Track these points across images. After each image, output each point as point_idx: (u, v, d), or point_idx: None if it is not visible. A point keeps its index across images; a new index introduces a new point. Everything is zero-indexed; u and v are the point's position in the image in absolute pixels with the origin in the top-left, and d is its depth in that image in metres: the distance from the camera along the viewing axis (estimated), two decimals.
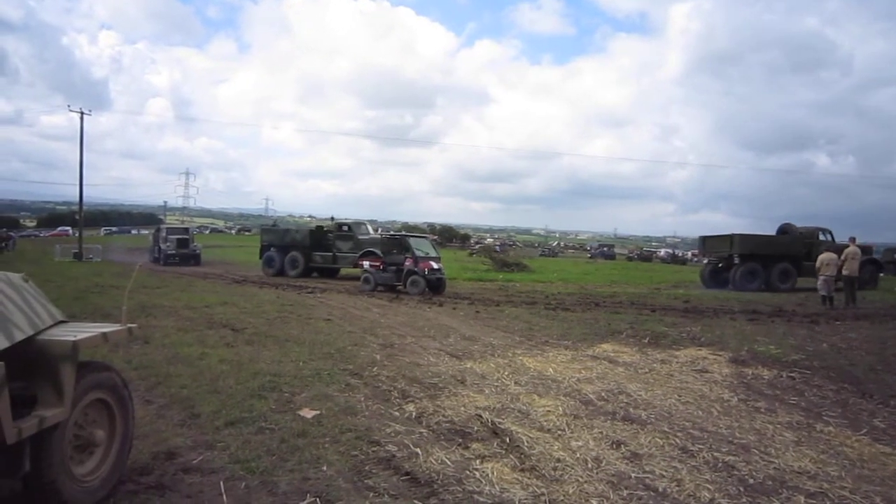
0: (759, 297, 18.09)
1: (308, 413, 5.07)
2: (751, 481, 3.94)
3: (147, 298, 13.15)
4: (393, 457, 4.17)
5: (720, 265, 22.68)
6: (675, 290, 21.56)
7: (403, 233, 27.61)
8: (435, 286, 17.13)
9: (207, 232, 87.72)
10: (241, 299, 14.16)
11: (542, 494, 3.63)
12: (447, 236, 70.82)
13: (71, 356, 3.05)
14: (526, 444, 4.47)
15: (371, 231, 24.95)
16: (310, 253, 23.85)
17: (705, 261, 24.89)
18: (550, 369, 7.12)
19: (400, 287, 17.50)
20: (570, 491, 3.69)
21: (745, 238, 21.91)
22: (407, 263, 17.49)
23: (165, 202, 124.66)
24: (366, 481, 3.76)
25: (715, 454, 4.40)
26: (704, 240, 24.38)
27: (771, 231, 24.06)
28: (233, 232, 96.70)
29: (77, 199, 37.91)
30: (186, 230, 35.89)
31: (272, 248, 24.54)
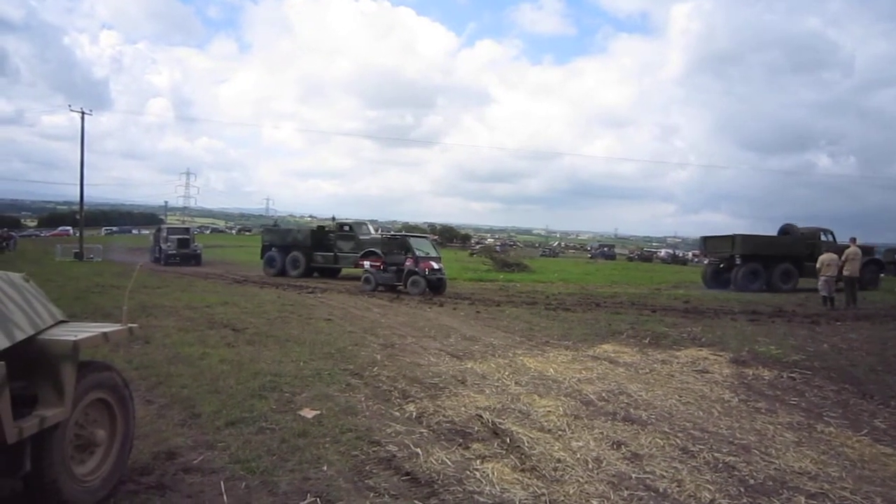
0: (760, 297, 18.09)
1: (309, 413, 5.07)
2: (751, 482, 3.94)
3: (148, 298, 13.16)
4: (393, 457, 4.17)
5: (722, 266, 22.68)
6: (675, 290, 21.54)
7: (404, 233, 27.62)
8: (435, 286, 17.13)
9: (208, 232, 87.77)
10: (241, 299, 14.16)
11: (543, 495, 3.63)
12: (448, 236, 70.82)
13: (72, 356, 3.05)
14: (526, 444, 4.47)
15: (372, 231, 24.96)
16: (311, 253, 23.86)
17: (706, 261, 24.89)
18: (551, 370, 7.12)
19: (400, 287, 17.51)
20: (571, 491, 3.69)
21: (746, 238, 21.90)
22: (407, 263, 17.49)
23: (166, 202, 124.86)
24: (366, 481, 3.76)
25: (715, 455, 4.40)
26: (706, 240, 24.37)
27: (772, 231, 24.06)
28: (233, 232, 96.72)
29: (78, 198, 37.97)
30: (187, 230, 35.91)
31: (273, 249, 24.55)
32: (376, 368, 6.94)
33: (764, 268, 21.12)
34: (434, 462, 4.09)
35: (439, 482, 3.77)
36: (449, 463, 4.08)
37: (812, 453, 4.52)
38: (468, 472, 3.93)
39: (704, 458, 4.34)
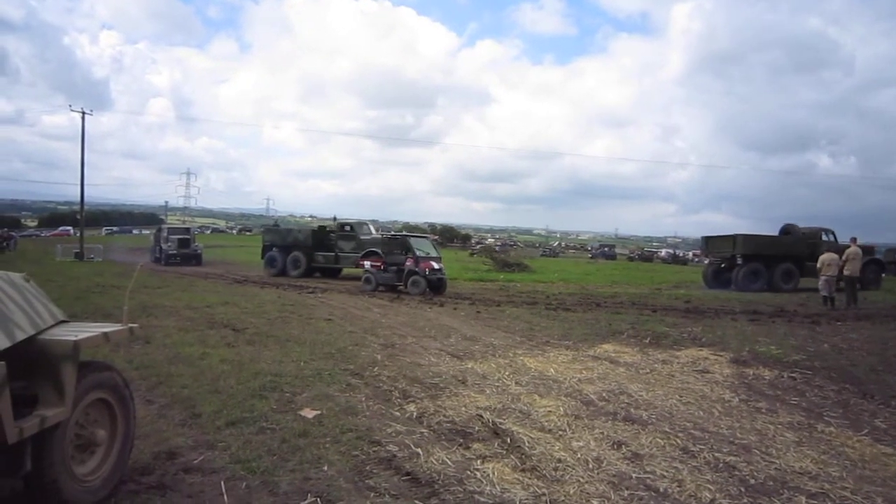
0: (760, 297, 18.08)
1: (309, 413, 5.07)
2: (752, 482, 3.94)
3: (148, 298, 13.16)
4: (394, 457, 4.17)
5: (723, 265, 22.67)
6: (676, 290, 21.54)
7: (404, 233, 27.62)
8: (436, 286, 17.13)
9: (209, 232, 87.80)
10: (242, 299, 14.17)
11: (543, 495, 3.62)
12: (448, 236, 70.79)
13: (72, 356, 3.05)
14: (527, 444, 4.47)
15: (373, 231, 24.96)
16: (312, 253, 23.87)
17: (706, 261, 24.87)
18: (551, 369, 7.12)
19: (401, 287, 17.51)
20: (571, 491, 3.68)
21: (748, 238, 21.89)
22: (408, 263, 17.50)
23: (166, 202, 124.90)
24: (367, 481, 3.76)
25: (716, 454, 4.40)
26: (707, 240, 24.37)
27: (772, 231, 24.05)
28: (234, 232, 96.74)
29: (78, 198, 37.99)
30: (188, 230, 35.92)
31: (274, 249, 24.56)
32: (377, 368, 6.94)
33: (765, 268, 21.12)
34: (434, 462, 4.09)
35: (440, 482, 3.77)
36: (449, 463, 4.08)
37: (813, 453, 4.52)
38: (469, 472, 3.93)
39: (705, 457, 4.34)
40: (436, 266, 17.43)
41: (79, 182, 35.86)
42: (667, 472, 4.04)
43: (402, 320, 11.41)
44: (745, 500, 3.65)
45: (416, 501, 3.53)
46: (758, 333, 10.24)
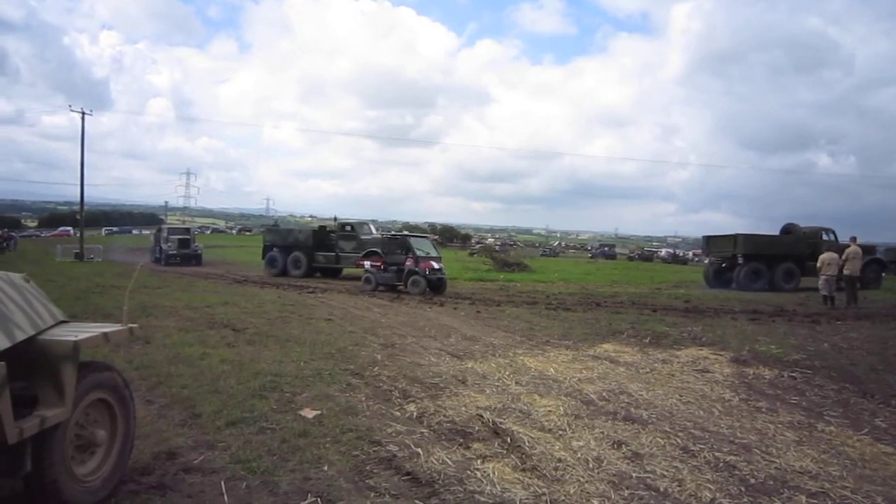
0: (760, 296, 18.08)
1: (309, 413, 5.07)
2: (752, 481, 3.94)
3: (148, 298, 13.16)
4: (394, 457, 4.17)
5: (724, 265, 22.68)
6: (676, 290, 21.54)
7: (404, 233, 27.63)
8: (436, 286, 17.13)
9: (209, 232, 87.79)
10: (242, 299, 14.17)
11: (544, 494, 3.62)
12: (448, 236, 70.77)
13: (72, 356, 3.05)
14: (527, 444, 4.47)
15: (374, 231, 24.96)
16: (313, 253, 23.87)
17: (706, 260, 24.88)
18: (551, 369, 7.12)
19: (401, 287, 17.51)
20: (572, 491, 3.68)
21: (749, 238, 21.91)
22: (408, 263, 17.50)
23: (166, 202, 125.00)
24: (367, 481, 3.76)
25: (716, 454, 4.40)
26: (708, 239, 24.38)
27: (772, 231, 24.07)
28: (234, 232, 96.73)
29: (78, 199, 37.98)
30: (188, 230, 35.91)
31: (275, 249, 24.56)
32: (377, 368, 6.94)
33: (766, 267, 21.14)
34: (435, 462, 4.09)
35: (440, 482, 3.77)
36: (450, 463, 4.08)
37: (813, 452, 4.52)
38: (469, 472, 3.93)
39: (705, 457, 4.33)
40: (436, 266, 17.43)
41: (79, 182, 35.90)
42: (667, 471, 4.04)
43: (402, 320, 11.41)
44: (745, 500, 3.65)
45: (417, 501, 3.53)
46: (758, 333, 10.24)
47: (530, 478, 3.88)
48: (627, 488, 3.75)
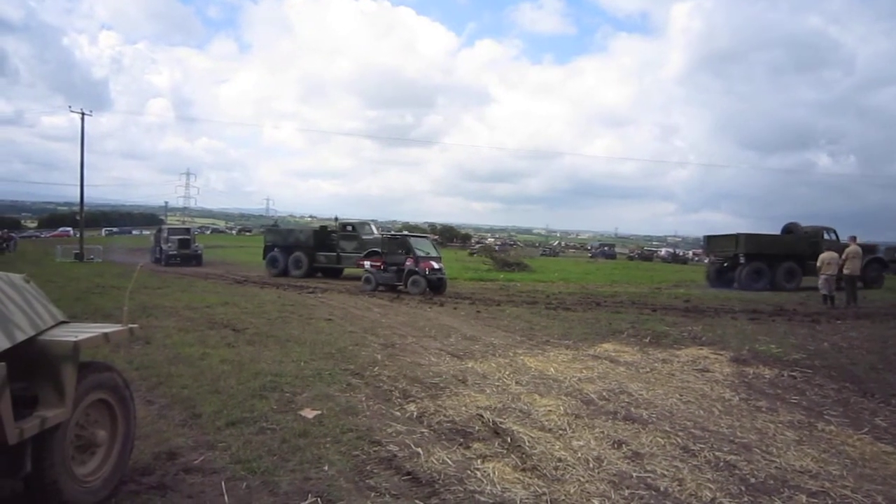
0: (760, 296, 18.09)
1: (309, 413, 5.07)
2: (752, 480, 3.94)
3: (148, 299, 13.16)
4: (394, 457, 4.17)
5: (725, 264, 22.70)
6: (676, 289, 21.55)
7: (404, 233, 27.64)
8: (436, 286, 17.13)
9: (208, 232, 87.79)
10: (242, 299, 14.17)
11: (544, 494, 3.62)
12: (448, 236, 70.76)
13: (72, 356, 3.05)
14: (527, 443, 4.47)
15: (375, 231, 24.96)
16: (314, 253, 23.87)
17: (706, 260, 24.90)
18: (551, 369, 7.12)
19: (401, 287, 17.51)
20: (572, 490, 3.68)
21: (750, 237, 21.93)
22: (408, 263, 17.50)
23: (166, 202, 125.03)
24: (367, 481, 3.76)
25: (716, 453, 4.40)
26: (709, 239, 24.40)
27: (773, 230, 24.09)
28: (233, 232, 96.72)
29: (78, 199, 37.96)
30: (188, 230, 35.89)
31: (276, 249, 24.56)
32: (377, 368, 6.94)
33: (768, 267, 21.15)
34: (435, 462, 4.09)
35: (440, 482, 3.77)
36: (450, 462, 4.08)
37: (813, 452, 4.52)
38: (469, 472, 3.93)
39: (705, 456, 4.34)
40: (436, 266, 17.43)
41: (78, 183, 35.88)
42: (667, 471, 4.04)
43: (402, 320, 11.41)
44: (745, 499, 3.65)
45: (417, 501, 3.53)
46: (758, 332, 10.24)
47: (530, 477, 3.88)
48: (628, 488, 3.75)
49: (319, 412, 5.10)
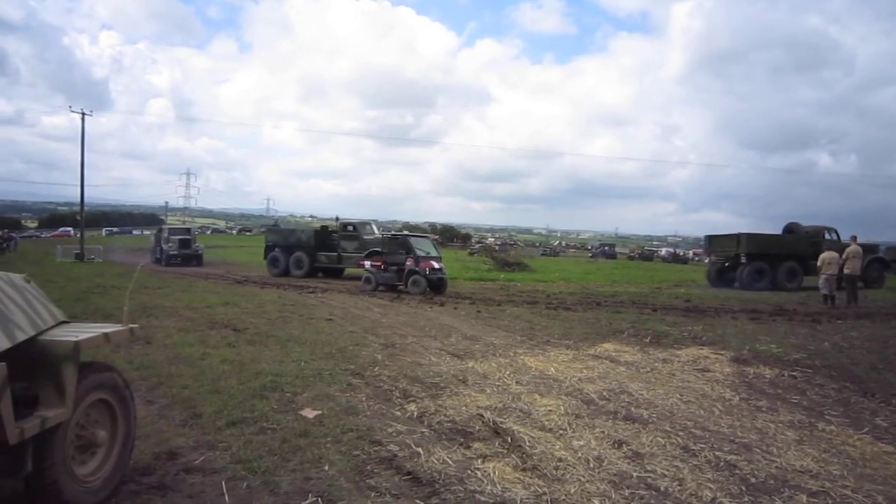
0: (760, 296, 18.08)
1: (310, 413, 5.07)
2: (753, 480, 3.94)
3: (148, 299, 13.17)
4: (395, 456, 4.17)
5: (726, 264, 22.69)
6: (676, 289, 21.55)
7: (405, 232, 27.65)
8: (436, 286, 17.14)
9: (209, 232, 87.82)
10: (242, 299, 14.17)
11: (544, 494, 3.62)
12: (448, 236, 70.75)
13: (73, 356, 3.05)
14: (527, 443, 4.47)
15: (376, 231, 24.96)
16: (315, 253, 23.88)
17: (706, 260, 24.90)
18: (552, 369, 7.12)
19: (401, 287, 17.51)
20: (572, 490, 3.69)
21: (752, 237, 21.93)
22: (408, 263, 17.50)
23: (167, 202, 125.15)
24: (367, 481, 3.77)
25: (717, 453, 4.40)
26: (711, 239, 24.39)
27: (773, 230, 24.10)
28: (234, 232, 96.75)
29: (78, 199, 37.96)
30: (188, 230, 35.88)
31: (277, 249, 24.57)
32: (377, 368, 6.94)
33: (769, 266, 21.16)
34: (435, 461, 4.09)
35: (440, 482, 3.77)
36: (450, 462, 4.08)
37: (813, 451, 4.52)
38: (469, 472, 3.93)
39: (706, 456, 4.33)
40: (436, 265, 17.43)
41: (79, 183, 35.87)
42: (668, 470, 4.04)
43: (402, 320, 11.42)
44: (746, 499, 3.65)
45: (417, 501, 3.53)
46: (758, 332, 10.24)
47: (531, 477, 3.88)
48: (628, 488, 3.75)
49: (320, 412, 5.10)
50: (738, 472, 4.07)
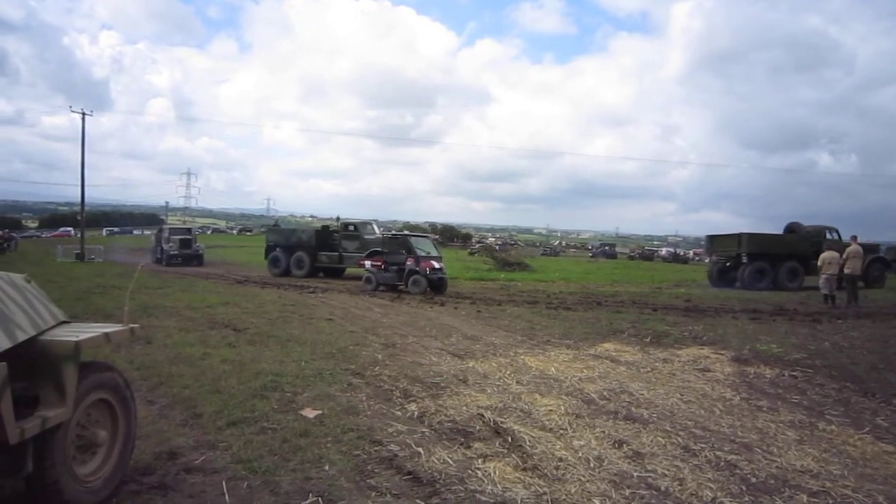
0: (761, 295, 18.07)
1: (310, 413, 5.07)
2: (753, 480, 3.94)
3: (149, 299, 13.17)
4: (395, 456, 4.17)
5: (728, 264, 22.69)
6: (676, 289, 21.54)
7: (405, 232, 27.64)
8: (436, 286, 17.14)
9: (209, 232, 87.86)
10: (242, 299, 14.17)
11: (545, 494, 3.62)
12: (448, 236, 70.74)
13: (73, 356, 3.05)
14: (528, 443, 4.47)
15: (377, 231, 24.95)
16: (316, 253, 23.88)
17: (707, 259, 24.90)
18: (552, 368, 7.12)
19: (402, 287, 17.51)
20: (573, 490, 3.68)
21: (753, 237, 21.93)
22: (408, 263, 17.50)
23: (167, 202, 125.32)
24: (368, 481, 3.77)
25: (717, 453, 4.39)
26: (712, 239, 24.39)
27: (773, 230, 24.09)
28: (234, 232, 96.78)
29: (79, 199, 37.98)
30: (189, 230, 35.87)
31: (278, 249, 24.57)
32: (378, 368, 6.95)
33: (770, 266, 21.15)
34: (436, 461, 4.09)
35: (441, 481, 3.77)
36: (451, 462, 4.08)
37: (814, 451, 4.52)
38: (470, 472, 3.93)
39: (706, 456, 4.33)
40: (436, 265, 17.43)
41: (79, 183, 35.87)
42: (668, 470, 4.04)
43: (402, 320, 11.42)
44: (746, 499, 3.65)
45: (418, 501, 3.53)
46: (759, 332, 10.23)
47: (531, 477, 3.88)
48: (628, 487, 3.75)
49: (320, 412, 5.10)
50: (738, 471, 4.07)
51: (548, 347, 8.63)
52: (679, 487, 3.77)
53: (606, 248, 67.65)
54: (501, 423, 4.93)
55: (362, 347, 8.21)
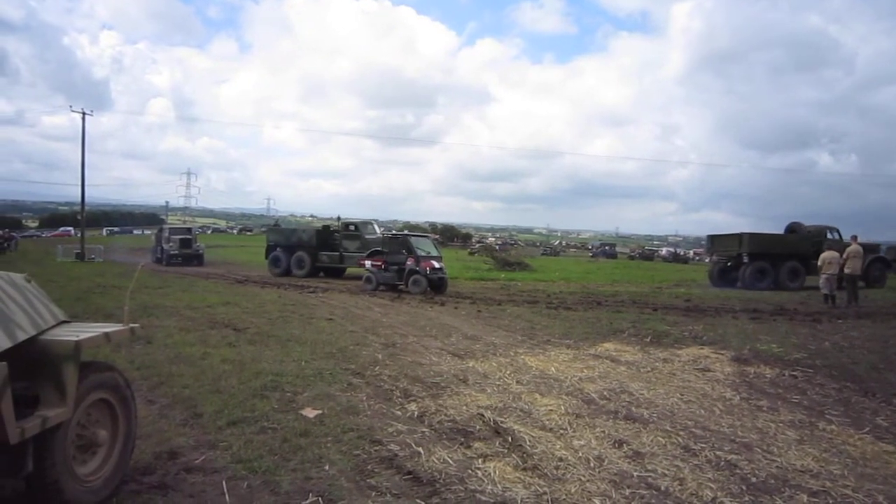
0: (761, 295, 18.07)
1: (310, 412, 5.07)
2: (753, 480, 3.94)
3: (149, 298, 13.17)
4: (395, 456, 4.17)
5: (729, 264, 22.69)
6: (676, 288, 21.55)
7: (405, 232, 27.63)
8: (437, 285, 17.14)
9: (209, 232, 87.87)
10: (243, 299, 14.18)
11: (545, 493, 3.63)
12: (449, 235, 70.75)
13: (73, 356, 3.05)
14: (528, 443, 4.47)
15: (378, 231, 24.94)
16: (316, 253, 23.88)
17: (707, 259, 24.90)
18: (552, 368, 7.12)
19: (402, 286, 17.51)
20: (573, 490, 3.69)
21: (754, 237, 21.94)
22: (409, 263, 17.50)
23: (167, 202, 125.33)
24: (368, 480, 3.77)
25: (717, 453, 4.39)
26: (713, 239, 24.39)
27: (773, 230, 24.09)
28: (234, 232, 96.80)
29: (79, 199, 38.02)
30: (189, 230, 35.87)
31: (278, 248, 24.57)
32: (378, 368, 6.95)
33: (771, 266, 21.16)
34: (436, 461, 4.09)
35: (441, 481, 3.77)
36: (451, 462, 4.08)
37: (814, 451, 4.52)
38: (470, 471, 3.93)
39: (706, 456, 4.33)
40: (436, 265, 17.43)
41: (79, 182, 35.90)
42: (668, 470, 4.04)
43: (402, 319, 11.42)
44: (746, 499, 3.65)
45: (418, 500, 3.53)
46: (759, 332, 10.23)
47: (531, 477, 3.88)
48: (629, 487, 3.75)
49: (320, 412, 5.10)
50: (738, 471, 4.07)
51: (548, 347, 8.64)
52: (679, 487, 3.77)
53: (606, 247, 67.67)
54: (501, 422, 4.94)
55: (362, 347, 8.21)
